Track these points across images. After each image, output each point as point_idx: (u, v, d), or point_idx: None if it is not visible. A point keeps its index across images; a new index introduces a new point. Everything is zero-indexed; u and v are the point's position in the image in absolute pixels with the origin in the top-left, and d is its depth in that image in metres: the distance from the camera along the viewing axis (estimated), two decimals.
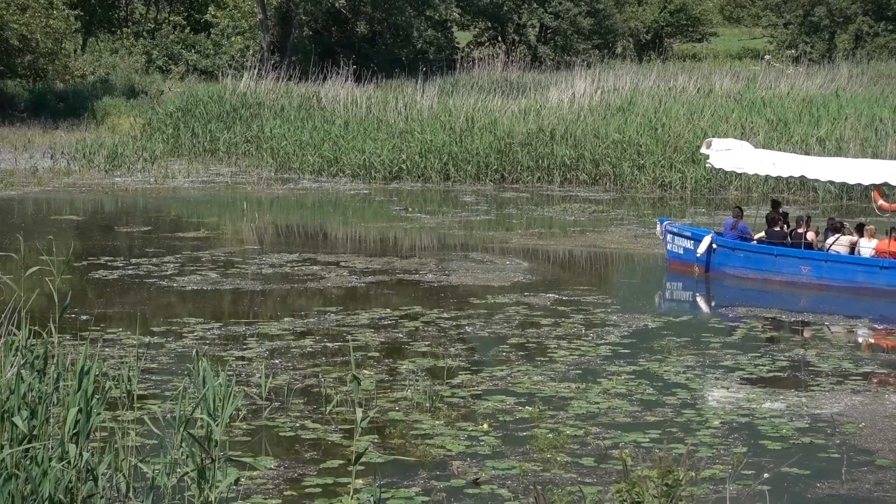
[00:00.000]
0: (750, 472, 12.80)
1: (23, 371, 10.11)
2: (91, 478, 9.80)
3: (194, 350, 12.30)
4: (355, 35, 70.93)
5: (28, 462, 9.44)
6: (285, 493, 12.23)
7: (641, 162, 41.02)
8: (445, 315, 20.95)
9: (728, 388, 16.49)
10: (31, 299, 11.81)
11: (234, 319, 20.50)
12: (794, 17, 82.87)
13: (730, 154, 26.65)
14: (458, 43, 79.17)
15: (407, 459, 13.20)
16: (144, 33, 76.57)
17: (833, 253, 24.96)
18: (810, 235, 25.62)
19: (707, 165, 29.11)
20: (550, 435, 13.95)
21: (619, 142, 41.99)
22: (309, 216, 36.49)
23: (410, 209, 36.33)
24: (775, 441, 14.03)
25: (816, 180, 27.73)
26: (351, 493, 11.45)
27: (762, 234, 26.29)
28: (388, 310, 21.32)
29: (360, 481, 12.15)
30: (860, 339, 20.77)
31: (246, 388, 14.13)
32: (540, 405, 15.21)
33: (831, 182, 27.24)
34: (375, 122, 47.54)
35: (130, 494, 10.72)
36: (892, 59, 72.62)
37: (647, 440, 13.89)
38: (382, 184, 42.40)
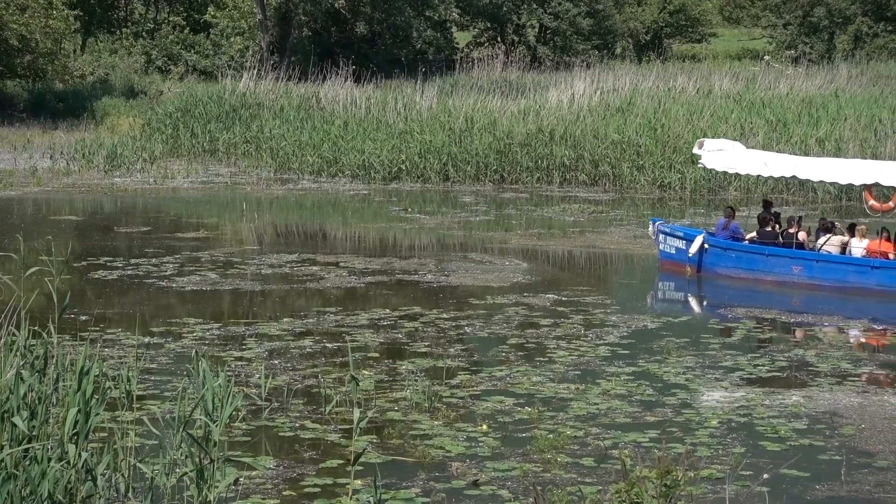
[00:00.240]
0: (748, 473, 12.80)
1: (22, 371, 10.11)
2: (90, 478, 9.80)
3: (194, 350, 12.30)
4: (355, 35, 70.92)
5: (27, 462, 9.44)
6: (284, 493, 12.23)
7: (641, 162, 41.02)
8: (445, 315, 20.95)
9: (727, 389, 16.49)
10: (31, 300, 11.81)
11: (234, 320, 20.51)
12: (794, 18, 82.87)
13: (722, 154, 26.79)
14: (457, 43, 79.15)
15: (406, 460, 13.20)
16: (144, 33, 76.56)
17: (824, 253, 25.02)
18: (801, 235, 25.71)
19: (699, 166, 29.20)
20: (550, 436, 13.95)
21: (619, 142, 42.00)
22: (308, 217, 36.49)
23: (410, 210, 36.33)
24: (774, 442, 14.03)
25: (808, 180, 27.81)
26: (350, 494, 11.45)
27: (753, 234, 26.37)
28: (388, 310, 21.32)
29: (359, 482, 12.15)
30: (858, 340, 20.76)
31: (245, 389, 14.12)
32: (539, 406, 15.21)
33: (823, 182, 27.30)
34: (375, 122, 47.54)
35: (129, 494, 10.72)
36: (891, 60, 72.62)
37: (647, 440, 13.88)
38: (382, 184, 42.41)
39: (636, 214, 35.20)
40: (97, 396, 10.03)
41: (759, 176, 27.32)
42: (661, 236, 26.72)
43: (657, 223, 27.05)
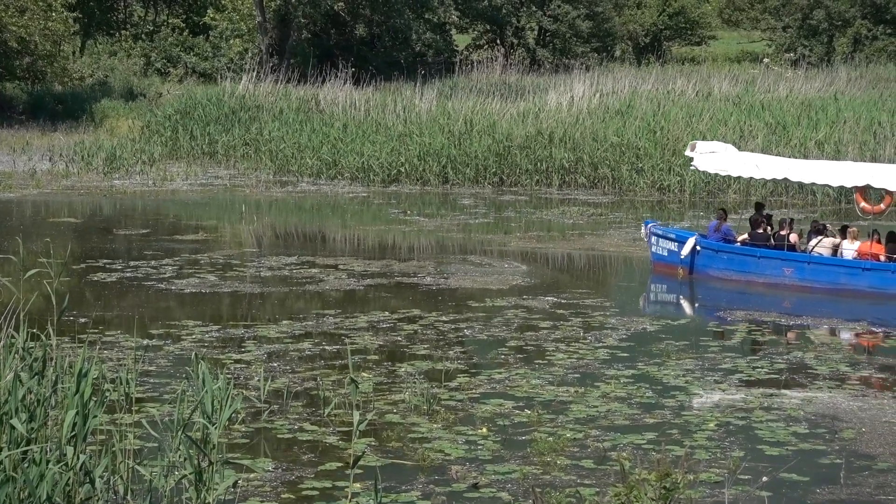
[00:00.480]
0: (747, 478, 12.78)
1: (21, 374, 10.10)
2: (89, 480, 9.78)
3: (193, 353, 12.28)
4: (354, 38, 70.94)
5: (26, 464, 9.42)
6: (283, 496, 12.21)
7: (640, 165, 41.02)
8: (444, 318, 20.94)
9: (725, 392, 16.48)
10: (30, 302, 11.80)
11: (233, 322, 20.49)
12: (793, 21, 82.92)
13: (714, 157, 26.91)
14: (456, 46, 79.19)
15: (405, 463, 13.18)
16: (143, 36, 76.59)
17: (816, 255, 25.08)
18: (793, 237, 25.80)
19: (691, 168, 29.26)
20: (549, 438, 13.93)
21: (618, 145, 42.00)
22: (307, 219, 36.48)
23: (409, 212, 36.32)
24: (773, 445, 14.01)
25: (799, 182, 27.87)
26: (349, 497, 11.43)
27: (745, 236, 26.44)
28: (387, 313, 21.32)
29: (359, 485, 12.14)
30: (857, 343, 20.74)
31: (244, 391, 14.11)
32: (539, 408, 15.20)
33: (814, 184, 27.37)
34: (374, 124, 47.53)
35: (128, 497, 10.70)
36: (890, 63, 72.69)
37: (646, 443, 13.87)
38: (381, 187, 42.40)
39: (635, 217, 35.19)
40: (96, 398, 10.01)
41: (760, 179, 27.37)
42: (654, 238, 26.83)
43: (650, 225, 27.16)
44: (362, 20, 71.07)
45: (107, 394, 10.72)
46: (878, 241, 25.01)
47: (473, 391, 16.20)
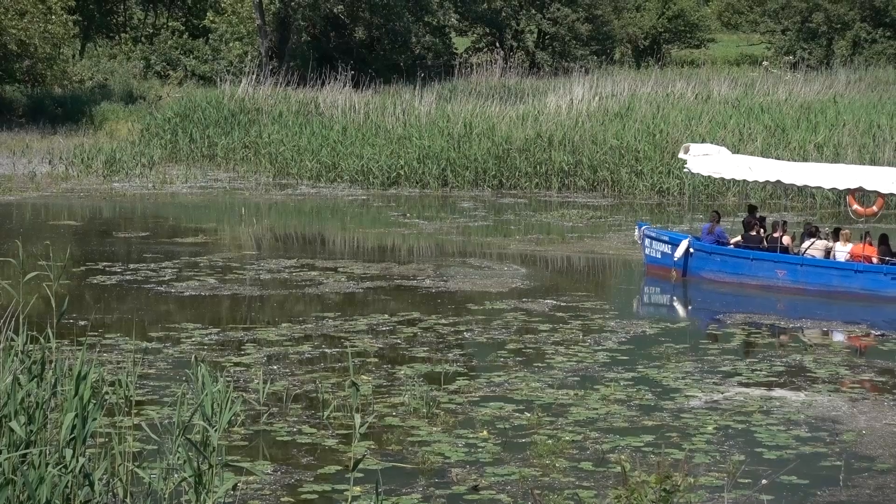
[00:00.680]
0: (747, 481, 12.78)
1: (20, 376, 10.09)
2: (88, 483, 9.78)
3: (192, 356, 12.29)
4: (353, 41, 70.94)
5: (25, 467, 9.42)
6: (282, 499, 12.21)
7: (639, 168, 41.03)
8: (443, 321, 20.93)
9: (725, 394, 16.48)
10: (30, 304, 11.80)
11: (233, 325, 20.49)
12: (792, 24, 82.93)
13: (707, 159, 27.01)
14: (456, 49, 79.17)
15: (405, 466, 13.18)
16: (143, 38, 76.58)
17: (808, 257, 25.14)
18: (786, 240, 25.90)
19: (685, 170, 29.33)
20: (549, 441, 13.93)
21: (617, 148, 42.00)
22: (307, 222, 36.48)
23: (408, 215, 36.31)
24: (772, 448, 14.01)
25: (792, 185, 27.97)
26: (349, 500, 11.43)
27: (738, 238, 26.51)
28: (386, 315, 21.31)
29: (358, 488, 12.14)
30: (856, 345, 20.74)
31: (244, 394, 14.11)
32: (538, 411, 15.20)
33: (807, 186, 27.47)
34: (373, 127, 47.52)
35: (127, 500, 10.70)
36: (889, 66, 72.70)
37: (645, 445, 13.87)
38: (380, 190, 42.40)
39: (635, 220, 35.16)
40: (95, 401, 10.01)
41: (754, 181, 27.44)
42: (647, 240, 26.91)
43: (643, 227, 27.24)
44: (362, 23, 71.06)
45: (106, 396, 10.73)
46: (870, 244, 25.11)
47: (473, 394, 16.20)
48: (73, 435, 9.72)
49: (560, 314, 21.79)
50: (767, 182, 27.10)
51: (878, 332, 21.62)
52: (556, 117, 45.84)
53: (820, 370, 18.01)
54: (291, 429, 14.44)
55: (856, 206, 27.22)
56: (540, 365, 17.86)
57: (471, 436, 14.21)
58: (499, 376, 17.18)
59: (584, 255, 29.62)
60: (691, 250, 26.06)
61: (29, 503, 9.07)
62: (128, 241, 30.60)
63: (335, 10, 69.01)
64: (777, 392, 16.68)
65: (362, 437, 13.46)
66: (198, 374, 10.08)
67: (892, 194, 25.97)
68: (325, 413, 14.56)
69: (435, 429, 14.47)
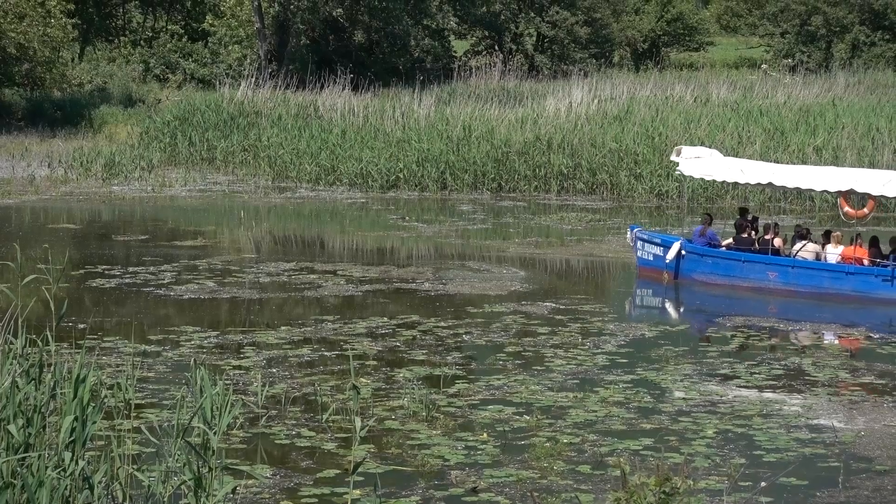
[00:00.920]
0: (748, 484, 12.78)
1: (18, 379, 10.09)
2: (87, 486, 9.78)
3: (192, 359, 12.29)
4: (352, 44, 70.94)
5: (24, 471, 9.42)
6: (281, 502, 12.21)
7: (638, 171, 41.04)
8: (442, 324, 20.94)
9: (724, 397, 16.48)
10: (28, 308, 11.79)
11: (232, 328, 20.49)
12: (791, 27, 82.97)
13: (699, 162, 27.11)
14: (455, 52, 79.18)
15: (404, 469, 13.18)
16: (142, 42, 76.59)
17: (800, 259, 25.22)
18: (777, 242, 26.00)
19: (677, 173, 29.41)
20: (548, 443, 13.94)
21: (616, 151, 42.01)
22: (306, 225, 36.49)
23: (407, 218, 36.32)
24: (772, 451, 14.01)
25: (783, 187, 28.05)
26: (349, 503, 11.43)
27: (730, 240, 26.61)
28: (386, 318, 21.31)
29: (358, 491, 12.13)
30: (854, 348, 20.74)
31: (243, 397, 14.10)
32: (537, 414, 15.20)
33: (798, 189, 27.57)
34: (372, 130, 47.54)
35: (127, 503, 10.69)
36: (888, 69, 72.74)
37: (644, 448, 13.87)
38: (379, 193, 42.40)
39: (634, 223, 35.20)
40: (94, 404, 10.01)
41: (745, 184, 27.52)
42: (640, 243, 27.01)
43: (635, 230, 27.36)
44: (361, 26, 71.07)
45: (105, 400, 10.72)
46: (861, 246, 25.21)
47: (472, 397, 16.20)
48: (72, 438, 9.72)
49: (559, 317, 21.79)
50: (759, 184, 27.23)
51: (878, 336, 21.61)
52: (554, 120, 45.86)
53: (819, 373, 18.02)
54: (290, 432, 14.44)
55: (847, 209, 27.34)
56: (539, 368, 17.86)
57: (470, 438, 14.21)
58: (498, 379, 17.18)
59: (582, 258, 29.62)
60: (683, 253, 26.15)
61: None
62: (127, 244, 30.59)
63: (334, 14, 69.05)
64: (776, 394, 16.68)
65: (362, 440, 13.48)
66: (197, 377, 10.09)
67: (883, 196, 26.04)
68: (325, 416, 14.56)
69: (434, 432, 14.47)
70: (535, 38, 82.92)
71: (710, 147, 35.40)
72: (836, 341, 21.36)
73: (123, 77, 68.18)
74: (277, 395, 15.87)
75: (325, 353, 18.59)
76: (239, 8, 71.76)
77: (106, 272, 25.80)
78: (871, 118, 44.87)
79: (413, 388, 16.30)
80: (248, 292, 23.81)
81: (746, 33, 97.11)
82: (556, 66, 78.41)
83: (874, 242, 25.38)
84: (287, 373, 17.31)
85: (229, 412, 9.82)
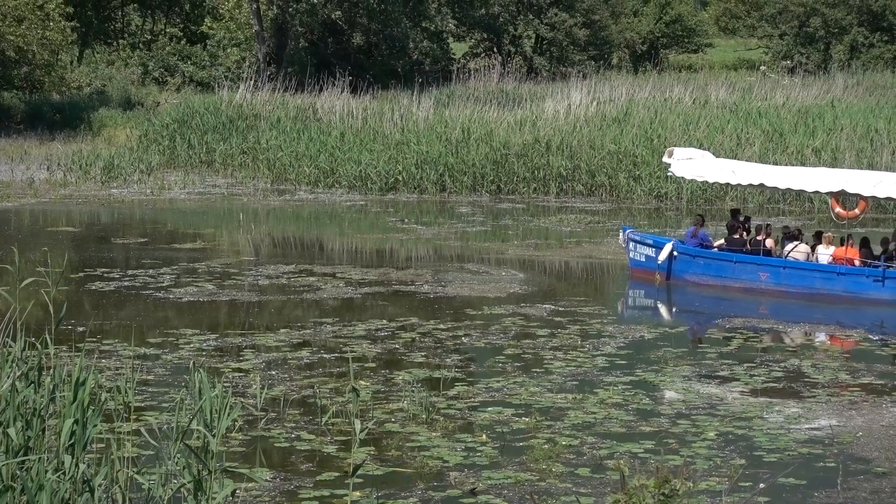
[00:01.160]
0: (747, 484, 12.79)
1: (18, 382, 10.10)
2: (87, 489, 9.78)
3: (191, 361, 12.30)
4: (351, 46, 70.95)
5: (24, 474, 9.42)
6: None
7: (637, 173, 41.05)
8: (442, 326, 20.94)
9: (723, 399, 16.49)
10: (27, 311, 11.80)
11: (231, 331, 20.49)
12: (790, 28, 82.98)
13: (691, 163, 27.20)
14: (453, 54, 79.18)
15: (404, 471, 13.18)
16: (141, 45, 76.58)
17: (791, 260, 25.29)
18: (769, 243, 26.11)
19: (668, 174, 29.47)
20: (547, 445, 13.94)
21: (615, 153, 42.03)
22: (305, 227, 36.49)
23: (406, 220, 36.32)
24: (771, 451, 14.02)
25: (775, 188, 28.13)
26: None
27: (722, 241, 26.69)
28: (385, 321, 21.32)
29: (358, 493, 12.14)
30: (855, 349, 20.74)
31: (242, 400, 14.11)
32: (536, 416, 15.20)
33: (790, 190, 27.64)
34: (371, 133, 47.54)
35: None
36: (887, 70, 72.73)
37: (643, 451, 13.87)
38: (378, 195, 42.41)
39: (633, 225, 35.20)
40: (94, 407, 10.02)
41: (745, 185, 27.57)
42: (632, 244, 27.10)
43: (627, 231, 27.45)
44: (359, 29, 71.08)
45: (105, 403, 10.73)
46: (852, 246, 25.31)
47: (472, 399, 16.21)
48: (72, 441, 9.72)
49: (558, 319, 21.80)
50: (751, 185, 27.31)
51: (877, 337, 21.62)
52: (553, 122, 45.87)
53: (818, 374, 18.02)
54: (290, 435, 14.44)
55: (838, 210, 27.44)
56: (538, 370, 17.86)
57: (469, 440, 14.22)
58: (497, 381, 17.18)
59: (582, 260, 29.63)
60: (675, 253, 26.23)
61: None
62: (126, 247, 30.60)
63: (333, 16, 69.04)
64: (775, 396, 16.69)
65: (361, 442, 13.48)
66: (196, 379, 10.09)
67: (874, 197, 26.11)
68: (324, 419, 14.57)
69: (434, 434, 14.47)
70: (533, 40, 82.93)
71: (708, 148, 35.48)
72: (835, 343, 21.37)
73: (122, 80, 68.17)
74: (277, 397, 15.88)
75: (325, 356, 18.59)
76: (237, 11, 71.76)
77: (105, 275, 25.80)
78: (870, 119, 44.88)
79: (412, 391, 16.30)
80: (248, 295, 23.82)
81: (745, 35, 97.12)
82: (554, 68, 78.42)
83: (865, 243, 25.53)
84: (286, 375, 17.31)
85: (228, 415, 9.83)
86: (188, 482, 9.74)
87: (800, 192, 31.13)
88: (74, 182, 43.92)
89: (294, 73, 63.33)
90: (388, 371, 17.68)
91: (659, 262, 26.21)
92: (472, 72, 69.93)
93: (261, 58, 66.51)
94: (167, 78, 70.95)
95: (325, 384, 16.75)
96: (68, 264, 26.25)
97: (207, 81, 67.09)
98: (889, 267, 24.42)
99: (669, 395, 16.59)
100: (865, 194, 25.31)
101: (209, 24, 73.92)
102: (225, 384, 10.69)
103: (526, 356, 18.83)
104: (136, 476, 10.56)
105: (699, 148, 33.42)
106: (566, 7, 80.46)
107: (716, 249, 26.42)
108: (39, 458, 9.49)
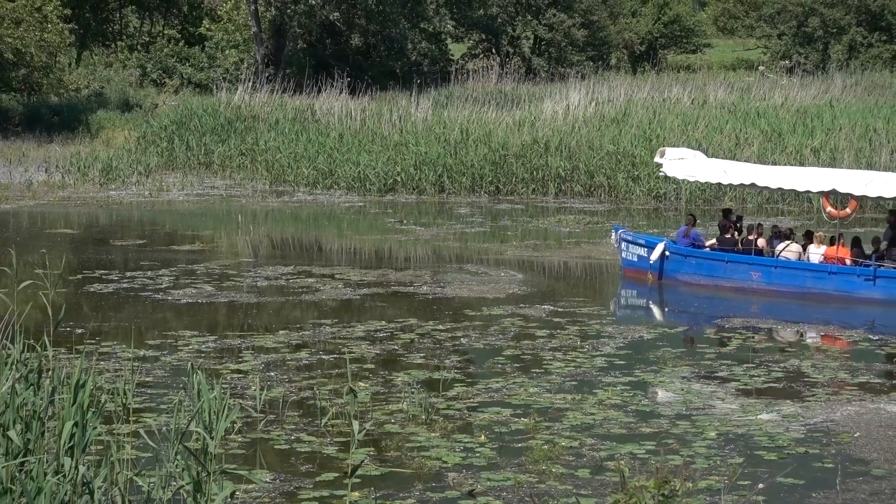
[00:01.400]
0: (746, 483, 12.79)
1: (17, 385, 10.09)
2: (87, 491, 9.78)
3: (189, 363, 12.29)
4: (349, 47, 70.96)
5: (23, 476, 9.42)
6: None
7: (636, 173, 41.06)
8: (441, 327, 20.94)
9: (723, 399, 16.49)
10: (25, 313, 11.79)
11: (230, 332, 20.49)
12: (788, 28, 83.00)
13: (683, 163, 27.27)
14: (452, 55, 79.21)
15: (403, 472, 13.18)
16: (139, 47, 76.57)
17: (782, 259, 25.35)
18: (761, 242, 26.24)
19: (660, 174, 29.50)
20: (546, 446, 13.94)
21: (614, 153, 42.04)
22: (304, 229, 36.49)
23: (405, 221, 36.33)
24: (771, 452, 14.02)
25: (766, 188, 28.20)
26: None
27: (713, 241, 26.76)
28: (384, 322, 21.31)
29: (357, 494, 12.14)
30: (854, 349, 20.74)
31: (241, 401, 14.11)
32: (535, 416, 15.20)
33: (781, 189, 27.69)
34: (370, 134, 47.56)
35: None
36: (885, 70, 72.76)
37: (643, 451, 13.87)
38: (377, 196, 42.41)
39: (632, 225, 35.17)
40: (93, 409, 10.01)
41: (736, 184, 27.61)
42: (624, 244, 27.18)
43: (619, 231, 27.52)
44: (358, 30, 71.09)
45: (104, 404, 10.73)
46: (844, 246, 25.37)
47: (471, 400, 16.20)
48: (71, 443, 9.72)
49: (557, 319, 21.80)
50: (742, 185, 27.38)
51: (877, 337, 21.62)
52: (552, 123, 45.89)
53: (817, 374, 18.03)
54: (289, 436, 14.44)
55: (830, 209, 27.53)
56: (537, 370, 17.86)
57: (468, 441, 14.21)
58: (497, 382, 17.18)
59: (581, 261, 29.64)
60: (667, 253, 26.29)
61: None
62: (124, 248, 30.59)
63: (331, 17, 69.05)
64: (774, 396, 16.69)
65: (361, 444, 13.48)
66: (195, 381, 10.09)
67: (865, 197, 26.15)
68: (323, 420, 14.56)
69: (433, 434, 14.47)
70: (532, 41, 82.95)
71: (707, 149, 35.50)
72: (833, 343, 21.37)
73: (120, 82, 68.19)
74: (276, 398, 15.87)
75: (324, 357, 18.59)
76: (236, 12, 71.76)
77: (103, 277, 25.80)
78: (869, 119, 44.90)
79: (412, 392, 16.30)
80: (246, 296, 23.81)
81: (743, 35, 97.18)
82: (553, 69, 78.45)
83: (856, 242, 25.62)
84: (285, 376, 17.31)
85: (227, 416, 9.82)
86: (187, 484, 9.73)
87: (792, 192, 31.17)
88: (73, 184, 43.92)
89: (292, 75, 63.35)
90: (387, 372, 17.68)
91: (651, 262, 26.30)
92: (470, 73, 69.96)
93: (259, 59, 66.52)
94: (165, 80, 70.96)
95: (325, 385, 16.74)
96: (66, 266, 26.24)
97: (206, 83, 67.10)
98: (880, 266, 24.50)
99: (669, 395, 16.60)
100: (856, 194, 25.37)
101: (207, 26, 73.91)
102: (224, 386, 10.69)
103: (525, 357, 18.83)
104: (135, 478, 10.55)
105: (698, 148, 33.47)
106: (564, 8, 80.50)
107: (707, 249, 26.50)
108: (39, 460, 9.49)
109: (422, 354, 18.87)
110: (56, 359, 11.75)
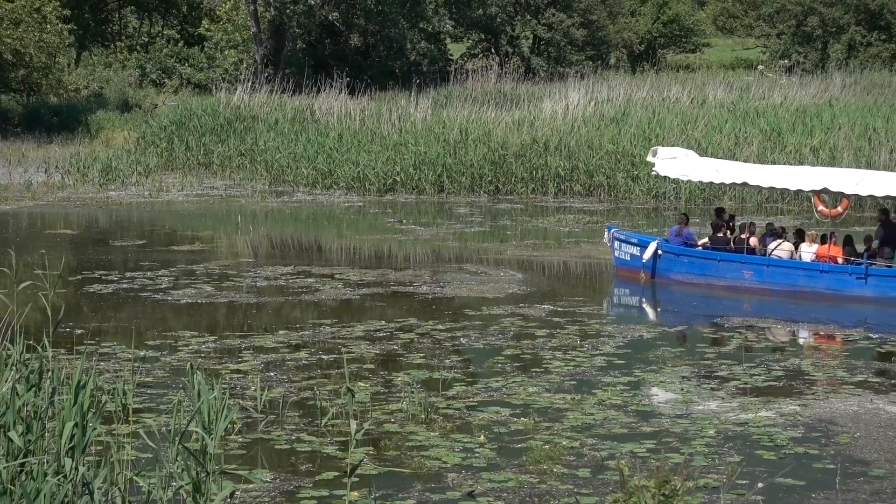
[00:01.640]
0: (744, 482, 12.79)
1: (17, 386, 10.10)
2: (87, 492, 9.78)
3: (189, 363, 12.29)
4: (349, 48, 70.98)
5: (24, 477, 9.42)
6: None
7: (635, 172, 41.07)
8: (440, 327, 20.94)
9: (723, 399, 16.49)
10: (25, 314, 11.79)
11: (229, 332, 20.49)
12: (787, 28, 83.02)
13: (675, 162, 27.31)
14: (451, 55, 79.23)
15: (402, 471, 13.18)
16: (138, 47, 76.60)
17: (774, 258, 25.38)
18: (753, 241, 26.29)
19: (653, 173, 29.54)
20: (546, 446, 13.94)
21: (613, 152, 42.06)
22: (303, 229, 36.49)
23: (405, 221, 36.33)
24: (770, 451, 14.03)
25: (758, 187, 28.22)
26: None
27: (706, 240, 26.81)
28: (383, 322, 21.32)
29: (356, 493, 12.14)
30: (854, 349, 20.75)
31: (241, 401, 14.11)
32: (535, 416, 15.20)
33: (773, 188, 27.72)
34: (369, 134, 47.57)
35: None
36: (884, 69, 72.79)
37: (643, 450, 13.88)
38: (377, 196, 42.42)
39: (631, 224, 35.21)
40: (93, 410, 10.01)
41: (728, 183, 27.64)
42: (617, 243, 27.22)
43: (612, 230, 27.56)
44: (357, 30, 71.10)
45: (104, 405, 10.73)
46: (836, 244, 25.40)
47: (470, 399, 16.20)
48: (71, 444, 9.72)
49: (557, 319, 21.81)
50: (734, 184, 27.42)
51: (877, 336, 21.62)
52: (551, 122, 45.91)
53: (817, 373, 18.04)
54: (290, 436, 14.44)
55: (821, 207, 27.58)
56: (537, 370, 17.87)
57: (468, 441, 14.21)
58: (496, 382, 17.19)
59: (580, 260, 29.64)
60: (660, 252, 26.34)
61: None
62: (124, 249, 30.59)
63: (330, 18, 69.06)
64: (774, 395, 16.69)
65: (360, 443, 13.49)
66: (194, 381, 10.09)
67: (856, 195, 26.17)
68: (323, 420, 14.56)
69: (433, 434, 14.47)
70: (531, 41, 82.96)
71: (706, 148, 35.52)
72: (832, 342, 21.37)
73: (120, 82, 68.21)
74: (276, 399, 15.87)
75: (323, 357, 18.59)
76: (235, 13, 71.79)
77: (103, 277, 25.80)
78: (868, 118, 44.92)
79: (412, 391, 16.30)
80: (246, 296, 23.82)
81: (743, 34, 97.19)
82: (552, 69, 78.47)
83: (848, 241, 25.67)
84: (285, 377, 17.31)
85: (227, 416, 9.82)
86: (187, 484, 9.74)
87: (783, 191, 31.21)
88: (72, 184, 43.93)
89: (292, 75, 63.37)
90: (386, 372, 17.68)
91: (644, 261, 26.34)
92: (469, 72, 69.99)
93: (258, 59, 66.53)
94: (165, 80, 70.99)
95: (324, 385, 16.74)
96: (66, 267, 26.24)
97: (205, 83, 67.12)
98: (872, 264, 24.55)
99: (668, 394, 16.60)
100: (847, 192, 25.40)
101: (206, 27, 73.93)
102: (223, 386, 10.69)
103: (525, 356, 18.84)
104: (135, 478, 10.56)
105: (697, 148, 33.49)
106: (563, 7, 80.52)
107: (700, 248, 26.54)
108: (39, 460, 9.49)
109: (421, 354, 18.87)
110: (56, 359, 11.76)
